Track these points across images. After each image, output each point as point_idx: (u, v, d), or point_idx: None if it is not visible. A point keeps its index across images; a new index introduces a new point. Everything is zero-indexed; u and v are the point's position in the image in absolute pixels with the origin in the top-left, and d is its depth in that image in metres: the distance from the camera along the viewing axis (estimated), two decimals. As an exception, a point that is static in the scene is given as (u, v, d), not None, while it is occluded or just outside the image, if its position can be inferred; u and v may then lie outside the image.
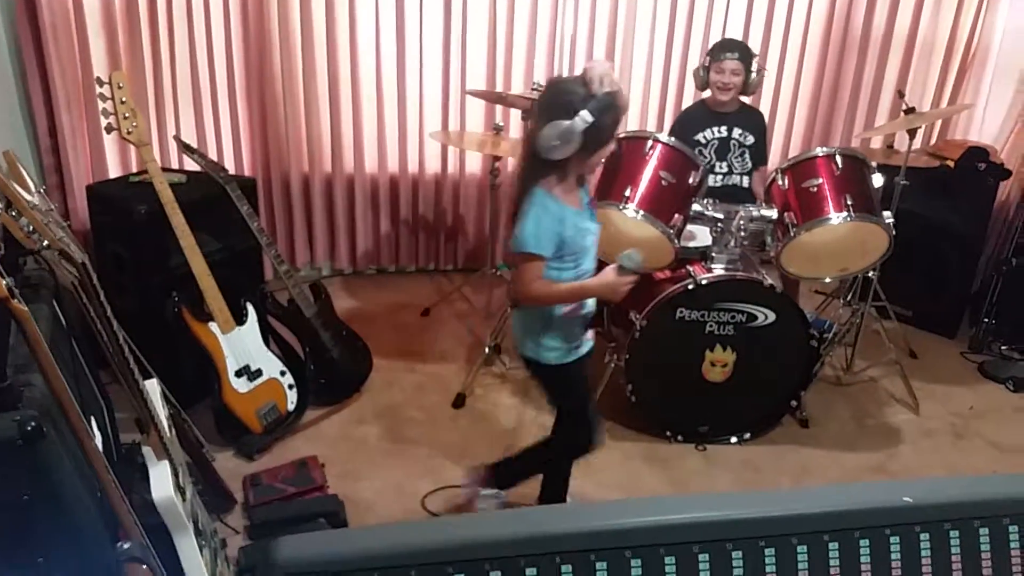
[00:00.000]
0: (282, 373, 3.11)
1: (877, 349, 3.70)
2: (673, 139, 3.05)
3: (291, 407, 3.13)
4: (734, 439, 3.23)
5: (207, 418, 2.97)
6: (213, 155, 3.84)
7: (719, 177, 3.62)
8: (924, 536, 0.94)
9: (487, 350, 3.51)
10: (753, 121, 3.63)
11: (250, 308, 3.06)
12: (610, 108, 2.05)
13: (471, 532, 0.91)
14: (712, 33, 4.22)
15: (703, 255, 3.14)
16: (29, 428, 1.55)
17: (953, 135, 4.48)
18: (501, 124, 3.69)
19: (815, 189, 2.95)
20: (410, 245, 4.50)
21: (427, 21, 3.99)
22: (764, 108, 4.13)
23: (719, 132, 3.57)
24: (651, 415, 3.20)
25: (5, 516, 1.55)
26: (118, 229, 3.03)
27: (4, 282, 1.43)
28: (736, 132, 3.57)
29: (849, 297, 3.71)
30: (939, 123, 4.51)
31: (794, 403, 3.25)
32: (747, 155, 3.59)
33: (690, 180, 3.02)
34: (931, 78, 4.42)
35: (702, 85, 3.59)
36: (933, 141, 4.50)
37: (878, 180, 3.01)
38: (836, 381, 3.71)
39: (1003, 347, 4.00)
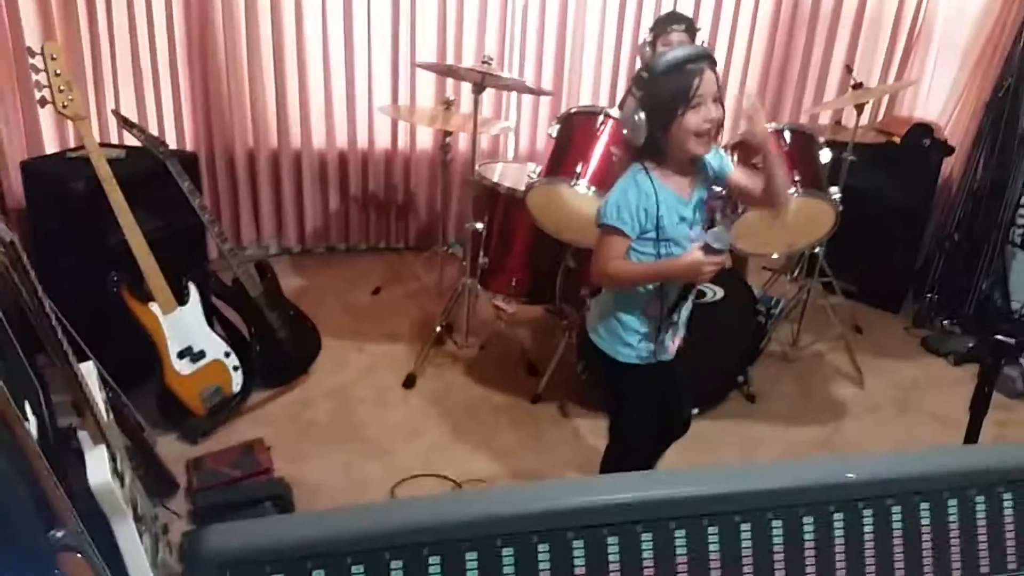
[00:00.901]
0: (226, 354, 3.04)
1: (823, 324, 3.76)
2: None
3: (236, 389, 3.06)
4: (683, 414, 3.25)
5: (149, 401, 2.88)
6: (154, 129, 3.72)
7: None
8: (867, 512, 0.94)
9: (438, 328, 3.48)
10: None
11: (192, 288, 2.97)
12: (664, 75, 1.93)
13: (410, 516, 0.88)
14: (663, 6, 4.20)
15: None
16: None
17: (899, 112, 4.55)
18: (452, 98, 3.63)
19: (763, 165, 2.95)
20: (360, 222, 4.43)
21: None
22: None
23: None
24: (601, 391, 3.19)
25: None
26: (54, 206, 2.91)
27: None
28: None
29: (796, 273, 3.75)
30: (885, 100, 4.57)
31: (741, 378, 3.28)
32: None
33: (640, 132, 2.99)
34: (878, 54, 4.47)
35: (647, 61, 3.55)
36: (880, 118, 4.56)
37: (826, 156, 3.03)
38: (783, 357, 3.76)
39: (944, 322, 4.09)
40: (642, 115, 1.95)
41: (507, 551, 0.88)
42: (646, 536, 0.91)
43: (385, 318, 3.86)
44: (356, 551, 0.85)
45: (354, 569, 0.84)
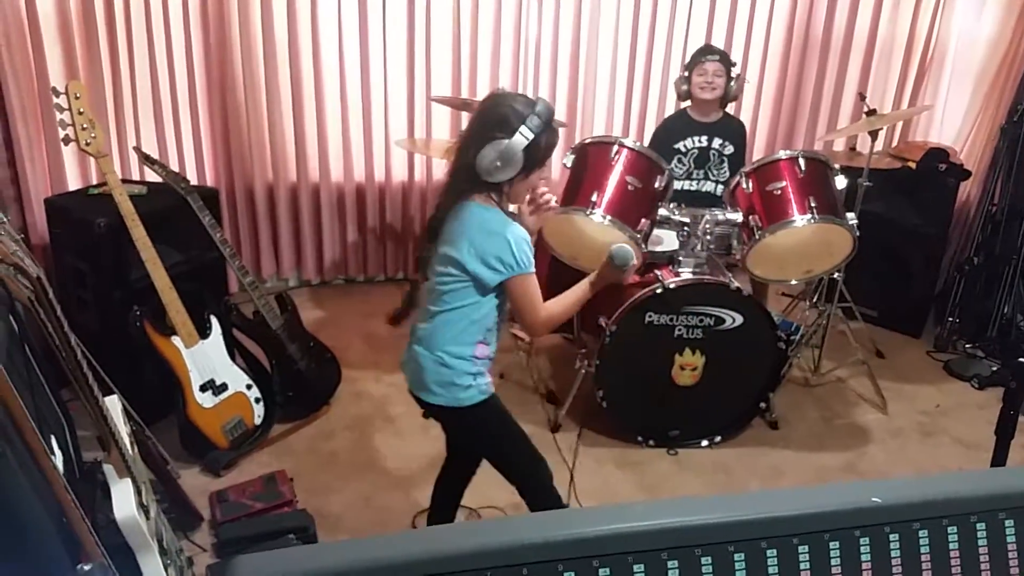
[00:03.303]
0: (248, 387, 3.07)
1: (844, 350, 3.73)
2: (638, 144, 3.06)
3: (258, 421, 3.08)
4: (705, 442, 3.24)
5: (173, 434, 2.92)
6: (175, 166, 3.78)
7: (693, 183, 3.64)
8: (894, 536, 0.94)
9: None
10: (734, 130, 3.64)
11: (214, 321, 3.01)
12: (549, 127, 1.94)
13: (429, 546, 0.89)
14: (675, 39, 4.25)
15: (670, 259, 3.15)
16: (-12, 452, 1.50)
17: (914, 136, 4.55)
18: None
19: (779, 192, 2.97)
20: (378, 254, 4.46)
21: (391, 27, 3.97)
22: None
23: (699, 141, 3.58)
24: (622, 420, 3.19)
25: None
26: (78, 242, 2.96)
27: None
28: (716, 142, 3.58)
29: (816, 299, 3.74)
30: (900, 125, 4.58)
31: (763, 405, 3.27)
32: (725, 164, 3.60)
33: (656, 184, 3.03)
34: (891, 80, 4.49)
35: (684, 95, 3.59)
36: (895, 143, 4.56)
37: (841, 182, 3.04)
38: (804, 382, 3.74)
39: (967, 345, 4.05)
40: (520, 156, 1.90)
41: (533, 579, 0.88)
42: (672, 564, 0.91)
43: (404, 348, 3.86)
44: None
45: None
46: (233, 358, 3.07)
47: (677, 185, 3.68)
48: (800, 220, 2.92)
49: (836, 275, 3.52)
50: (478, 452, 2.34)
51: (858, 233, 2.98)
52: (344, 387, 3.43)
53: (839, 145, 4.31)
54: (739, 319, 3.04)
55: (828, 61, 4.42)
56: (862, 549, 0.91)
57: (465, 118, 4.00)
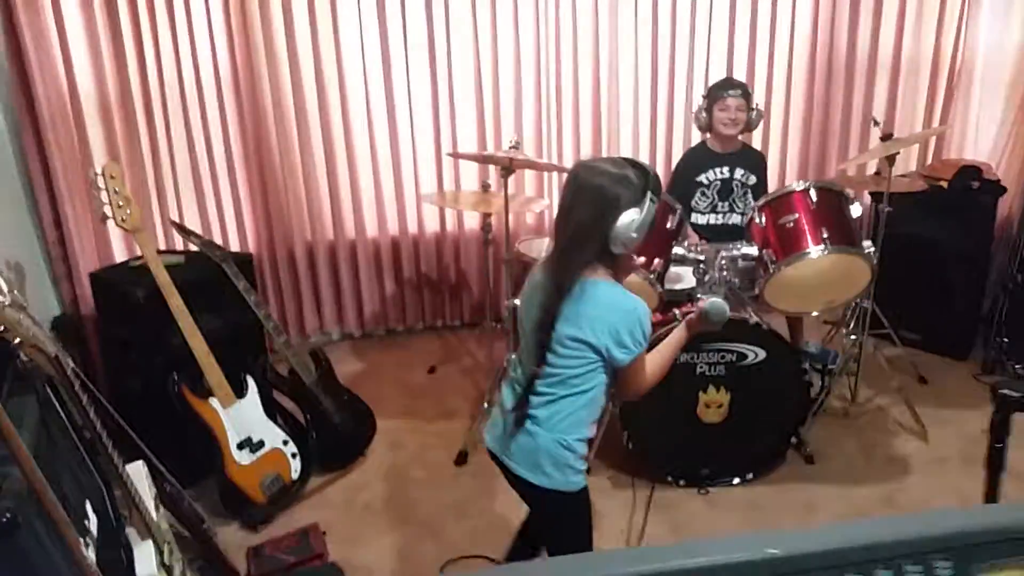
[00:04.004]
0: (285, 443, 3.18)
1: (884, 377, 3.66)
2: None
3: (295, 475, 3.19)
4: (736, 480, 3.21)
5: (214, 492, 3.04)
6: (217, 233, 3.99)
7: (719, 216, 3.65)
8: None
9: (485, 405, 3.55)
10: (754, 161, 3.66)
11: (250, 381, 3.14)
12: (658, 199, 1.91)
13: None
14: (695, 75, 4.29)
15: (689, 297, 3.16)
16: (4, 519, 1.63)
17: (948, 154, 4.46)
18: (489, 183, 3.78)
19: (791, 224, 2.97)
20: (416, 304, 4.58)
21: (415, 86, 4.13)
22: (755, 144, 4.18)
23: (721, 173, 3.61)
24: (650, 461, 3.19)
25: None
26: (120, 313, 3.15)
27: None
28: (738, 173, 3.60)
29: (852, 326, 3.68)
30: (933, 144, 4.50)
31: (794, 439, 3.22)
32: (749, 195, 3.62)
33: (668, 225, 3.06)
34: (919, 99, 4.42)
35: (704, 126, 3.62)
36: (929, 162, 4.48)
37: (856, 210, 3.02)
38: (843, 413, 3.67)
39: (1017, 366, 3.92)
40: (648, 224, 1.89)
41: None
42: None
43: (440, 396, 3.97)
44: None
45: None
46: (270, 415, 3.19)
47: (703, 220, 3.70)
48: (814, 252, 2.91)
49: (864, 302, 3.46)
50: (556, 534, 2.18)
51: (875, 261, 2.95)
52: (380, 437, 3.53)
53: (871, 168, 4.25)
54: (761, 354, 3.03)
55: (854, 84, 4.39)
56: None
57: (494, 170, 4.12)
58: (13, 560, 1.66)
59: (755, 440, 3.20)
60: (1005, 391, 1.59)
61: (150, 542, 1.99)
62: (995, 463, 1.63)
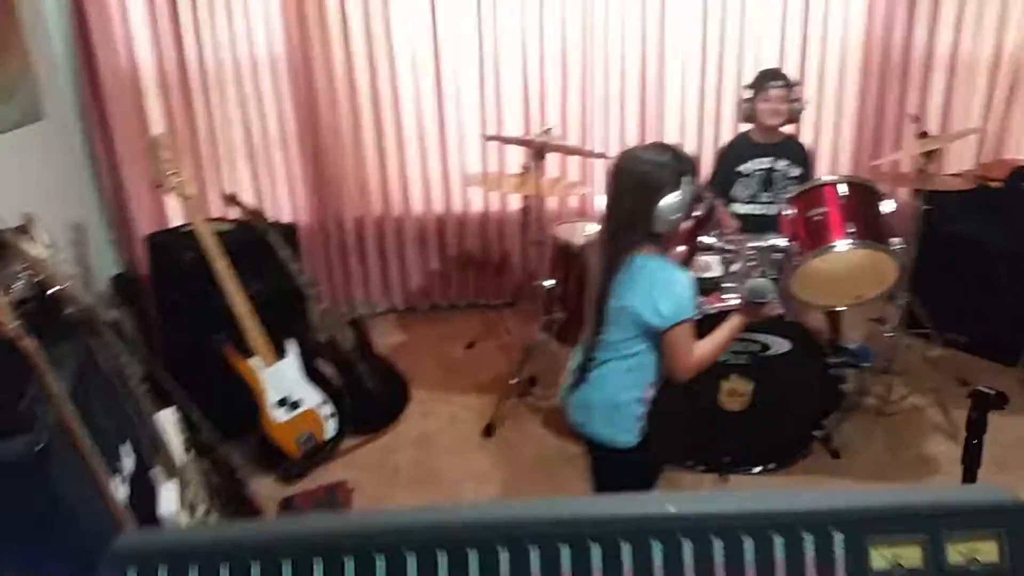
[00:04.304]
0: (321, 404, 3.34)
1: (924, 377, 3.61)
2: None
3: (329, 436, 3.35)
4: (758, 469, 3.23)
5: (253, 446, 3.23)
6: (269, 203, 4.18)
7: (760, 207, 3.65)
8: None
9: (513, 381, 3.64)
10: (797, 153, 3.63)
11: (290, 344, 3.31)
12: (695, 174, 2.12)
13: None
14: (745, 64, 4.26)
15: (716, 285, 3.18)
16: (38, 448, 1.81)
17: (1006, 154, 4.33)
18: (530, 166, 3.85)
19: (820, 217, 2.96)
20: (460, 281, 4.71)
21: (463, 69, 4.22)
22: (808, 139, 4.14)
23: (762, 164, 3.60)
24: (670, 446, 3.23)
25: (18, 526, 1.81)
26: (171, 274, 3.36)
27: (10, 321, 1.70)
28: (780, 163, 3.59)
29: (894, 324, 3.63)
30: (991, 144, 4.37)
31: (817, 432, 3.22)
32: (792, 187, 3.60)
33: (695, 212, 3.08)
34: (976, 99, 4.30)
35: (746, 117, 3.61)
36: (986, 161, 4.35)
37: (889, 206, 2.99)
38: (876, 411, 3.63)
39: (1066, 373, 3.80)
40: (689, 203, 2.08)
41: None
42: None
43: (475, 371, 4.08)
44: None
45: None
46: (308, 378, 3.36)
47: (743, 209, 3.70)
48: (841, 245, 2.90)
49: (904, 300, 3.42)
50: (602, 490, 2.42)
51: (904, 258, 2.92)
52: (413, 406, 3.67)
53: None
54: (786, 345, 3.03)
55: (908, 81, 4.29)
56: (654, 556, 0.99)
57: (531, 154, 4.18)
58: (44, 488, 1.85)
59: (778, 431, 3.21)
60: (980, 388, 1.60)
61: (175, 482, 2.16)
62: (973, 460, 1.64)
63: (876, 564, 0.92)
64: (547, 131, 3.31)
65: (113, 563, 1.04)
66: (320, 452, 3.33)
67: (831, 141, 4.46)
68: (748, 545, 0.98)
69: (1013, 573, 0.96)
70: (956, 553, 0.95)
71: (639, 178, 2.07)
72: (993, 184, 3.85)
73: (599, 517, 1.01)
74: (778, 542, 0.97)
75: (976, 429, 1.63)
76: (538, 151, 3.26)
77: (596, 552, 1.00)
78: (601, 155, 4.02)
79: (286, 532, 1.04)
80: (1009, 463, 3.29)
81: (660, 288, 2.06)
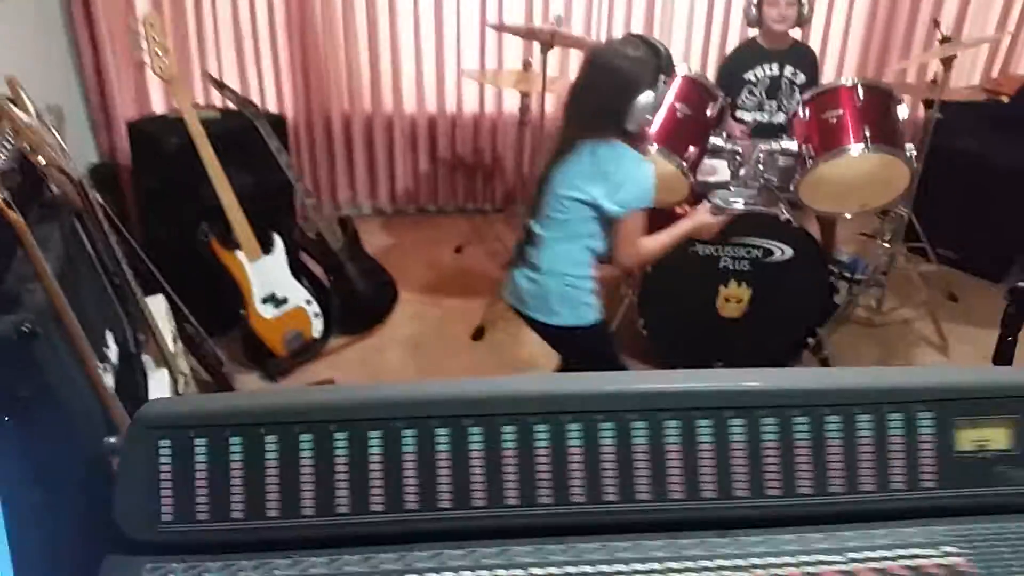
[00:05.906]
0: (308, 302, 3.25)
1: (915, 291, 3.60)
2: (692, 70, 3.02)
3: (316, 334, 3.28)
4: (749, 376, 3.22)
5: (239, 342, 3.14)
6: (255, 94, 3.98)
7: (765, 115, 3.55)
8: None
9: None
10: (805, 59, 3.52)
11: (277, 239, 3.19)
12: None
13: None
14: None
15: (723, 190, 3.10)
16: (25, 328, 1.70)
17: (1016, 70, 4.24)
18: (531, 61, 3.69)
19: (835, 120, 2.87)
20: (448, 184, 4.58)
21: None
22: (815, 43, 4.01)
23: (770, 70, 3.49)
24: (665, 350, 3.21)
25: (4, 410, 1.71)
26: (153, 162, 3.20)
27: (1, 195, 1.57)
28: (788, 70, 3.48)
29: (887, 237, 3.60)
30: (1001, 58, 4.27)
31: (810, 340, 3.21)
32: (797, 94, 3.49)
33: (708, 112, 2.98)
34: (994, 5, 4.17)
35: (753, 21, 3.49)
36: (995, 76, 4.26)
37: (903, 112, 2.90)
38: (868, 322, 3.64)
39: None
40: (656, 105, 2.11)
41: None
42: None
43: (464, 275, 4.00)
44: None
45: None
46: (295, 275, 3.25)
47: (748, 117, 3.59)
48: (855, 149, 2.82)
49: (902, 211, 3.37)
50: (582, 369, 2.46)
51: (916, 166, 2.85)
52: (401, 308, 3.59)
53: (930, 73, 4.06)
54: (788, 252, 2.98)
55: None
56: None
57: (536, 47, 4.02)
58: (31, 369, 1.75)
59: (771, 338, 3.19)
60: (1020, 284, 1.55)
61: (165, 370, 2.07)
62: (1006, 359, 1.60)
63: (962, 446, 0.87)
64: (558, 19, 3.13)
65: (139, 433, 0.97)
66: (307, 351, 3.26)
67: (839, 44, 4.32)
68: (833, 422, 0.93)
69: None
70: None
71: (618, 73, 2.05)
72: (1002, 98, 3.76)
73: (704, 390, 0.95)
74: (863, 419, 0.92)
75: (1013, 324, 1.57)
76: (546, 42, 3.10)
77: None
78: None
79: (331, 400, 0.98)
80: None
81: (623, 176, 2.06)
